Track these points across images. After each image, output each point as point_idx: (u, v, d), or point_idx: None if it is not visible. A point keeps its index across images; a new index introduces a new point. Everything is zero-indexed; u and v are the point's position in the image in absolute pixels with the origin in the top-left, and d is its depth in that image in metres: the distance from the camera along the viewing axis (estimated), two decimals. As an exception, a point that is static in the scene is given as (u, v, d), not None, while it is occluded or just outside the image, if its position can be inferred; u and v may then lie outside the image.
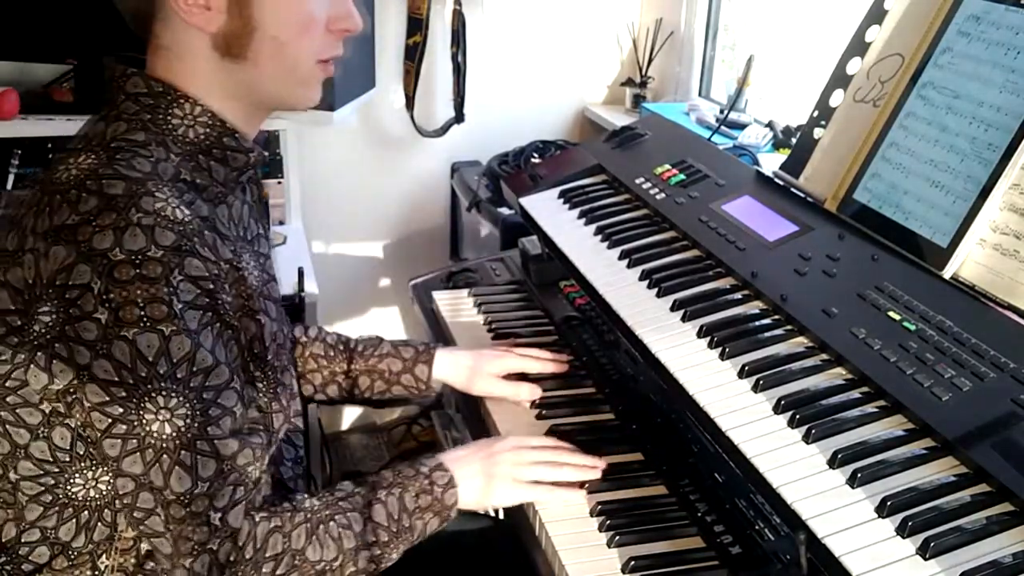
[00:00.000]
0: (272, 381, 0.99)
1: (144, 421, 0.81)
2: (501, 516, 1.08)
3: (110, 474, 0.88)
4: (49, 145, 1.92)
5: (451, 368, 1.27)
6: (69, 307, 0.80)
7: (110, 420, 0.81)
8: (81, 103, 1.94)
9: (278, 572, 0.90)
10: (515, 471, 1.05)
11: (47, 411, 0.86)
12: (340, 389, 1.29)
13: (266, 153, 1.03)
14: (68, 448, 0.87)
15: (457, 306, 1.55)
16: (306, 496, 0.96)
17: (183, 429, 0.83)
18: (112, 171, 0.84)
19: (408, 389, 1.28)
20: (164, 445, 0.82)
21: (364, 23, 0.98)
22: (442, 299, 1.57)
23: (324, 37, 0.95)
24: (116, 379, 0.80)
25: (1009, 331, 0.91)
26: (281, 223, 2.18)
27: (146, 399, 0.81)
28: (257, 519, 0.89)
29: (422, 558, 1.13)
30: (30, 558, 0.93)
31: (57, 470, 0.89)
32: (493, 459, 1.05)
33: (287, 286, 1.86)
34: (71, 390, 0.83)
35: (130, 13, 0.93)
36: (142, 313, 0.80)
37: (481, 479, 1.04)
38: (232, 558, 0.87)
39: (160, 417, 0.82)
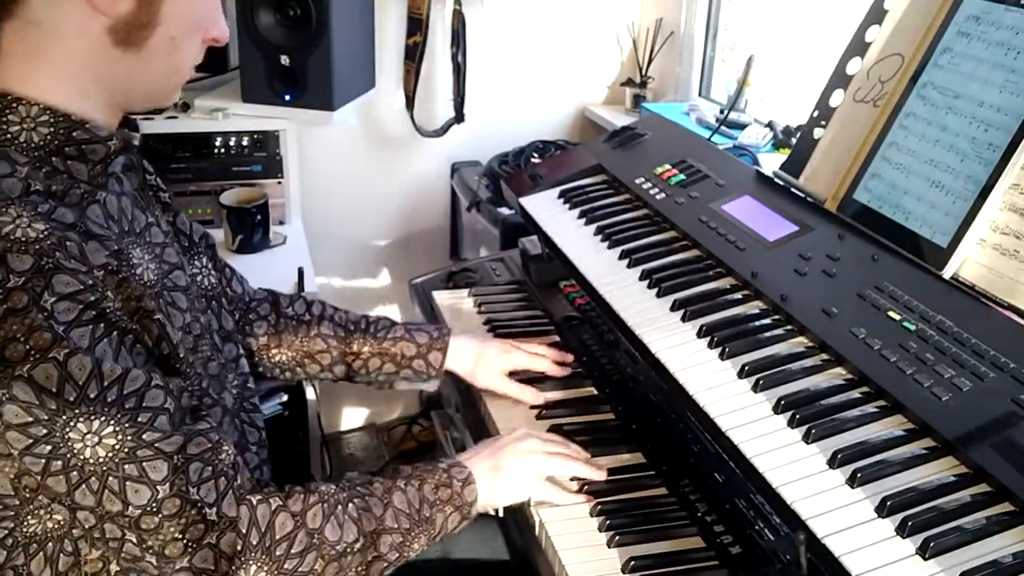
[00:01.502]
0: (195, 376, 0.95)
1: (75, 451, 0.78)
2: (501, 514, 1.07)
3: (64, 508, 0.85)
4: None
5: (461, 358, 1.27)
6: None
7: (43, 460, 0.78)
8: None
9: (294, 551, 0.88)
10: (529, 463, 1.04)
11: None
12: (348, 369, 1.27)
13: (136, 135, 0.98)
14: (13, 494, 0.84)
15: (457, 306, 1.55)
16: (320, 483, 0.95)
17: (117, 447, 0.79)
18: None
19: (418, 374, 1.27)
20: (106, 468, 0.79)
21: (228, 35, 0.98)
22: (442, 299, 1.57)
23: (200, 45, 0.95)
24: (31, 419, 0.76)
25: (1009, 331, 0.91)
26: (281, 223, 2.18)
27: (67, 430, 0.77)
28: (254, 502, 0.87)
29: (421, 558, 1.13)
30: None
31: (12, 513, 0.86)
32: (505, 451, 1.05)
33: (287, 286, 1.86)
34: None
35: None
36: (27, 347, 0.75)
37: (497, 474, 1.03)
38: (238, 547, 0.85)
39: (89, 443, 0.78)
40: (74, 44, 0.86)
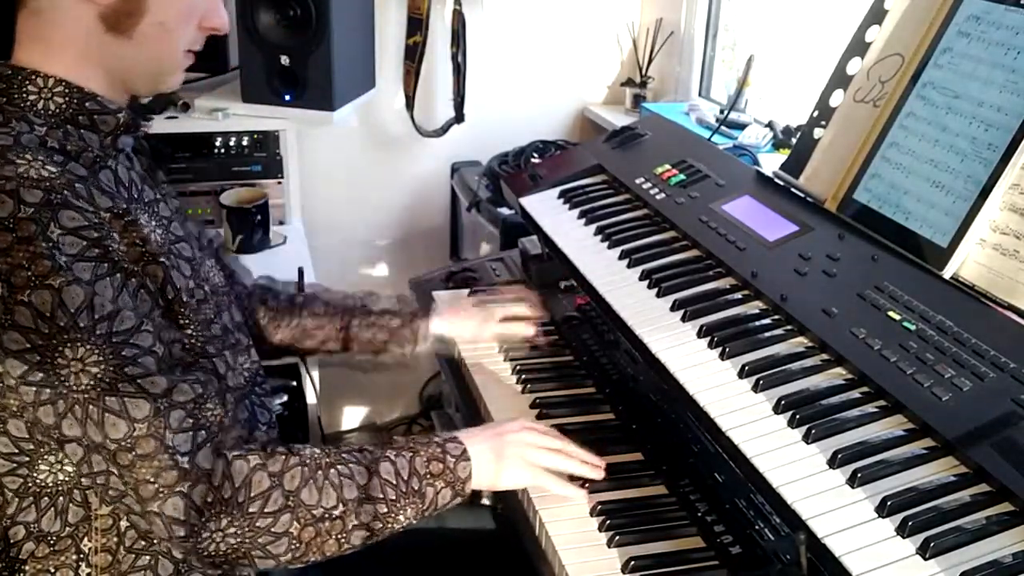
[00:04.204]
0: (200, 326, 0.99)
1: (62, 378, 0.82)
2: (499, 510, 1.07)
3: (63, 452, 0.88)
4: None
5: (444, 325, 1.38)
6: None
7: (34, 388, 0.82)
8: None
9: (267, 510, 0.88)
10: (527, 453, 1.04)
11: None
12: (343, 343, 1.36)
13: (146, 123, 1.04)
14: (27, 437, 0.88)
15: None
16: (307, 445, 0.96)
17: (99, 375, 0.83)
18: None
19: (404, 343, 1.36)
20: (87, 396, 0.82)
21: (228, 26, 1.03)
22: (442, 299, 1.57)
23: (195, 31, 0.99)
24: (27, 345, 0.81)
25: (1009, 331, 0.91)
26: (281, 223, 2.18)
27: (56, 355, 0.81)
28: (230, 457, 0.89)
29: (422, 557, 1.13)
30: (19, 557, 0.93)
31: (27, 459, 0.89)
32: (505, 439, 1.05)
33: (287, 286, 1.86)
34: None
35: None
36: (29, 273, 0.80)
37: (494, 456, 1.03)
38: (209, 499, 0.86)
39: (74, 368, 0.82)
40: (71, 30, 0.92)
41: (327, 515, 0.91)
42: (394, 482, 0.96)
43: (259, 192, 2.06)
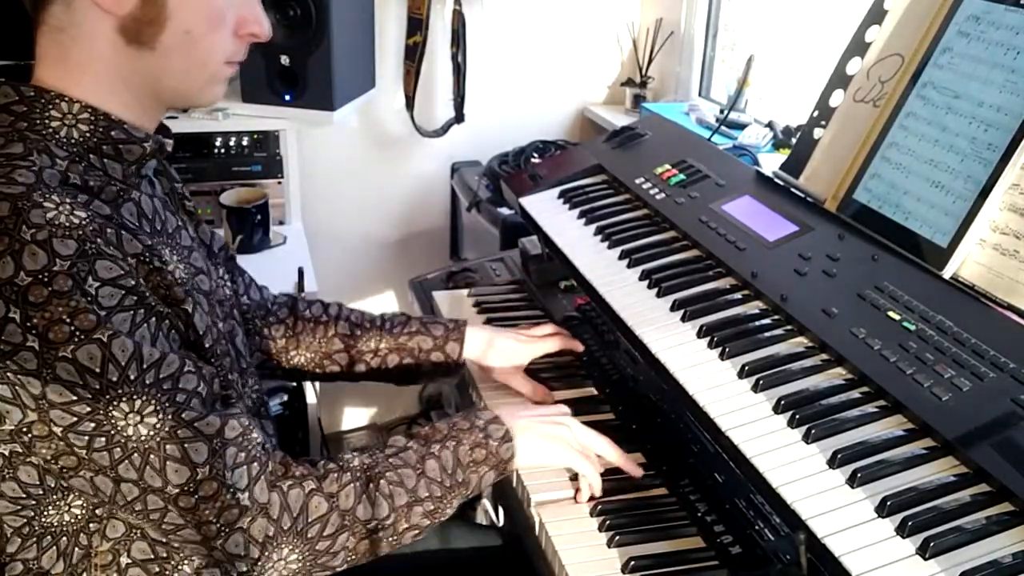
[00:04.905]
0: (217, 367, 0.97)
1: (119, 428, 0.80)
2: (500, 523, 1.07)
3: (83, 498, 0.88)
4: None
5: (478, 348, 1.27)
6: None
7: (87, 437, 0.80)
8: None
9: (326, 533, 0.89)
10: (565, 432, 1.05)
11: (6, 453, 0.84)
12: (368, 367, 1.28)
13: (168, 141, 0.98)
14: (38, 483, 0.86)
15: (457, 306, 1.55)
16: (355, 454, 0.96)
17: (158, 425, 0.82)
18: None
19: (437, 366, 1.27)
20: (148, 446, 0.81)
21: (270, 32, 0.97)
22: (442, 299, 1.57)
23: (232, 40, 0.93)
24: (74, 398, 0.78)
25: (1009, 331, 0.91)
26: (281, 223, 2.18)
27: (111, 408, 0.80)
28: (286, 488, 0.88)
29: (422, 558, 1.13)
30: None
31: (34, 503, 0.87)
32: (545, 420, 1.06)
33: (287, 286, 1.86)
34: (24, 429, 0.80)
35: None
36: (71, 329, 0.77)
37: (535, 436, 1.04)
38: (270, 533, 0.86)
39: (131, 421, 0.80)
40: (93, 46, 0.87)
41: (380, 525, 0.92)
42: (439, 479, 0.96)
43: (259, 192, 2.06)
